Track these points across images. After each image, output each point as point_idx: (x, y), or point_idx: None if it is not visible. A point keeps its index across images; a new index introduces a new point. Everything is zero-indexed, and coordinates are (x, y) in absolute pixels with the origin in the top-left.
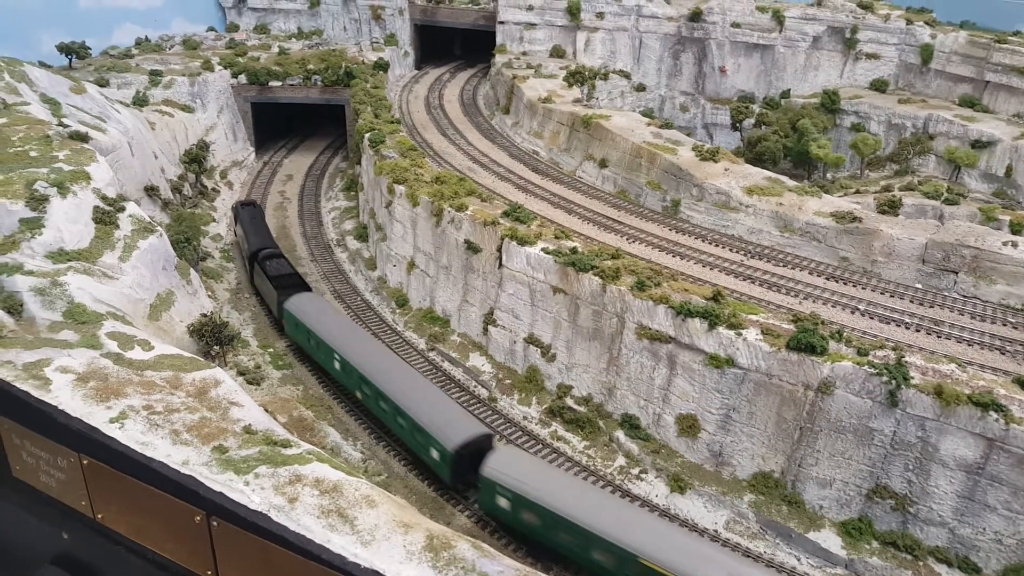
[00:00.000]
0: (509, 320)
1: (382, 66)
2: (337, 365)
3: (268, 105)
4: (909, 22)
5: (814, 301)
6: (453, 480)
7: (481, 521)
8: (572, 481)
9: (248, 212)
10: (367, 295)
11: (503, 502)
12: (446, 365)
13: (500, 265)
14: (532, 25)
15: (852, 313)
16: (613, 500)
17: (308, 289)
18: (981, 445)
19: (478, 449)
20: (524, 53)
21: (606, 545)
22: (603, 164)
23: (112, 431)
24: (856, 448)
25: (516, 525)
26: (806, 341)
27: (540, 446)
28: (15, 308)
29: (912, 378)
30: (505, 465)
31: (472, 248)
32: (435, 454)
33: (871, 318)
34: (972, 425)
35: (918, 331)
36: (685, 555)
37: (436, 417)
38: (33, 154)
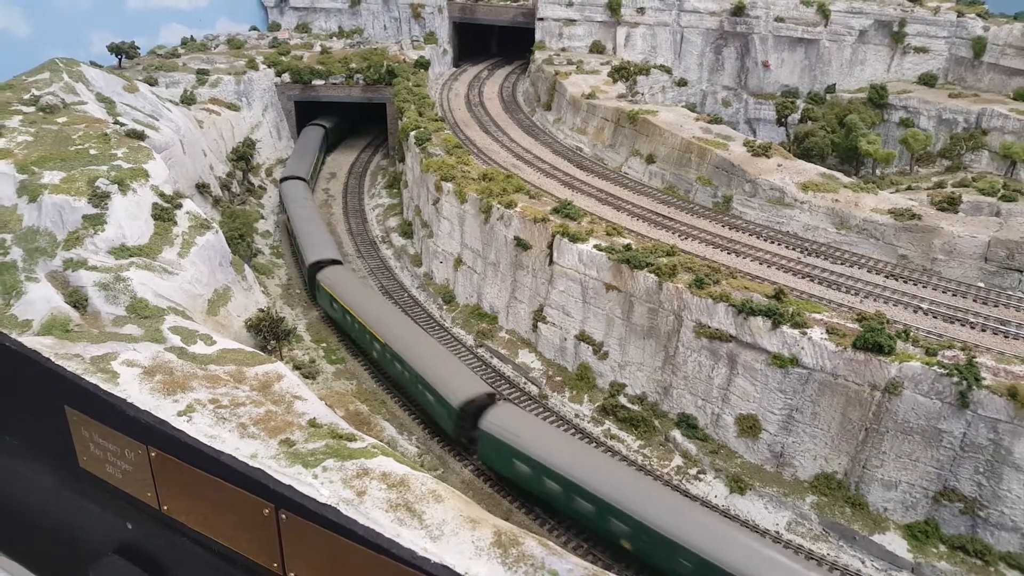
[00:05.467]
0: (560, 317)
1: (423, 64)
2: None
3: (309, 104)
4: (960, 15)
5: (875, 300)
6: (309, 288)
7: (322, 314)
8: (376, 297)
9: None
10: (413, 291)
11: (335, 306)
12: (495, 362)
13: (551, 262)
14: (572, 21)
15: (915, 312)
16: (406, 319)
17: (305, 181)
18: None
19: (323, 267)
20: (563, 49)
21: (392, 351)
22: (650, 160)
23: (180, 424)
24: (924, 450)
25: (339, 321)
26: (873, 340)
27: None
28: (80, 302)
29: (984, 379)
30: (331, 280)
31: (522, 245)
32: (305, 271)
33: (934, 317)
34: None
35: (983, 331)
36: (437, 368)
37: (310, 244)
38: (93, 152)
